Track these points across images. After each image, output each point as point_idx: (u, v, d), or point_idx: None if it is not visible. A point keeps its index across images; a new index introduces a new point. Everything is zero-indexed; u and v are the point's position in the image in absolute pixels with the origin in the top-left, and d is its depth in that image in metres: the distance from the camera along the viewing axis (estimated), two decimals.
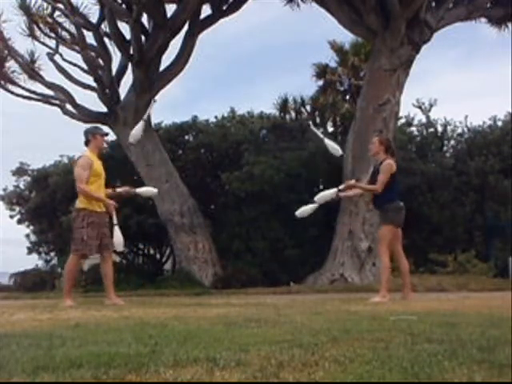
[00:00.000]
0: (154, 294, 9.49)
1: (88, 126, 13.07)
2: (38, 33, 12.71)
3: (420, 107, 15.30)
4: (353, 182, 6.59)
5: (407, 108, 21.34)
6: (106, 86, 12.45)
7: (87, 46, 12.24)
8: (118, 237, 6.04)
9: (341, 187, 6.30)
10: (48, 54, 12.80)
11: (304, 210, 6.51)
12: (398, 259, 5.90)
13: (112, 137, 12.40)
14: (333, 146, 6.97)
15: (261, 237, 12.70)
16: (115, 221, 6.10)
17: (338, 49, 16.54)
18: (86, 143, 6.19)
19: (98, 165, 6.11)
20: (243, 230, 12.86)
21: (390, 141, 6.49)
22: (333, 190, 6.29)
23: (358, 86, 14.64)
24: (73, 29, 12.30)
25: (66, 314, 4.26)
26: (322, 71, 16.64)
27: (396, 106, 11.41)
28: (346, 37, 17.78)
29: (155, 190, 7.37)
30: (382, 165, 5.92)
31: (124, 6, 11.81)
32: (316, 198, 6.35)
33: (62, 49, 12.85)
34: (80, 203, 5.99)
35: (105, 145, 6.52)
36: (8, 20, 12.59)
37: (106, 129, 7.34)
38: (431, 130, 14.99)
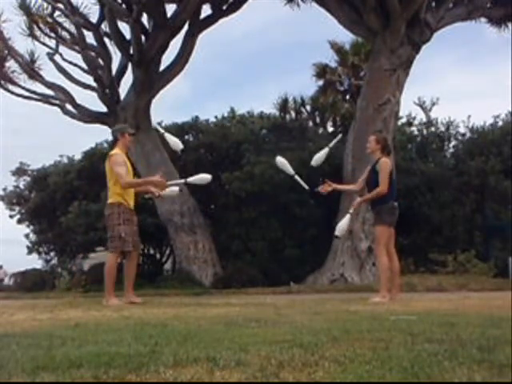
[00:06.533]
0: (154, 294, 9.47)
1: (88, 126, 13.30)
2: (38, 33, 12.74)
3: (421, 106, 15.32)
4: (358, 200, 6.46)
5: (408, 107, 21.42)
6: (106, 86, 12.45)
7: (87, 46, 12.25)
8: None
9: (351, 211, 6.28)
10: (48, 53, 12.82)
11: (318, 158, 6.46)
12: (389, 259, 5.88)
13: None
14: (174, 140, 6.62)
15: (261, 237, 12.70)
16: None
17: (337, 49, 16.57)
18: (115, 142, 6.21)
19: (128, 163, 6.14)
20: (243, 230, 12.87)
21: (386, 140, 6.43)
22: (348, 217, 6.26)
23: (358, 85, 14.65)
24: (73, 29, 12.31)
25: (66, 314, 4.26)
26: (322, 71, 16.67)
27: (396, 105, 11.41)
28: (346, 37, 17.87)
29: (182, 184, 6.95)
30: (379, 163, 5.84)
31: (124, 5, 11.81)
32: (337, 232, 6.30)
33: (62, 49, 12.89)
34: (114, 198, 5.84)
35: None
36: (8, 20, 12.64)
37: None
38: (432, 129, 15.00)
